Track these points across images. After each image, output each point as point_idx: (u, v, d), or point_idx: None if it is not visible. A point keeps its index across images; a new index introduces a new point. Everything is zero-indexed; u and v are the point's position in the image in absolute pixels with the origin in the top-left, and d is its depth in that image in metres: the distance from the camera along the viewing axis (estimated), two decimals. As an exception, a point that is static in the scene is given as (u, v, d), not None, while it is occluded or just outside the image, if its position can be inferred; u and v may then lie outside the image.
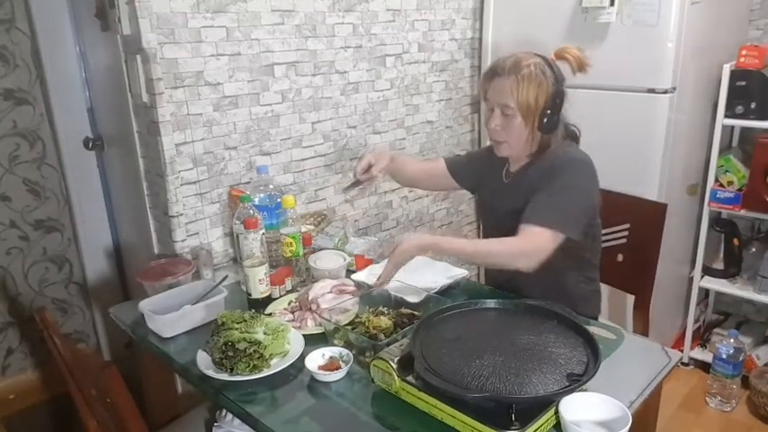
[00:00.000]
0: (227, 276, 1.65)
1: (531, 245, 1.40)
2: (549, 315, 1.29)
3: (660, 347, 1.35)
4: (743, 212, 2.35)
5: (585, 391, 1.08)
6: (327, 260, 1.73)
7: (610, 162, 2.17)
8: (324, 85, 2.11)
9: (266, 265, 1.58)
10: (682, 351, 2.61)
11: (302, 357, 1.28)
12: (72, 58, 2.34)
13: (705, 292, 2.75)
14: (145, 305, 1.49)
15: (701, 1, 2.10)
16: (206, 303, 1.50)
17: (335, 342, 1.36)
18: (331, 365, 1.27)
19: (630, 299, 1.94)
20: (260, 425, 1.14)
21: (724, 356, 2.30)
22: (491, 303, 1.35)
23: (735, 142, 2.62)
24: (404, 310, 1.45)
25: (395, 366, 1.14)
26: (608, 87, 2.23)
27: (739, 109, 2.26)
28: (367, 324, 1.38)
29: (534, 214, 1.42)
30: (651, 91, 2.15)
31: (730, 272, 2.51)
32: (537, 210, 1.43)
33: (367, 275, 1.67)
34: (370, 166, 1.74)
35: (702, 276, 2.54)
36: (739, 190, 2.35)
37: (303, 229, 1.79)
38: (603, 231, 1.92)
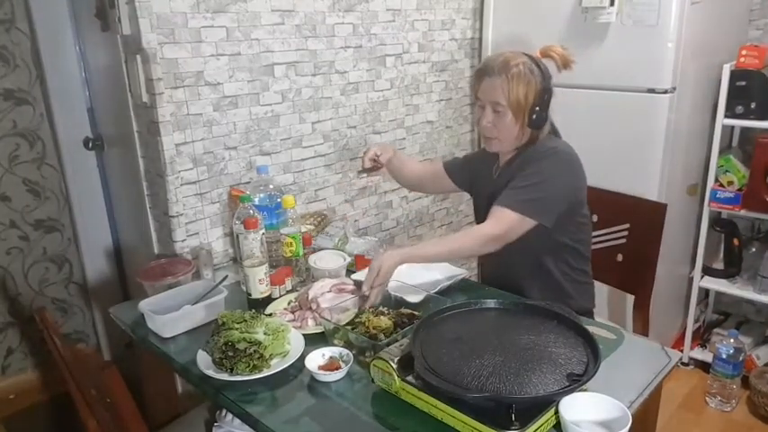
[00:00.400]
0: (227, 276, 1.65)
1: (499, 228, 1.47)
2: (549, 315, 1.29)
3: (660, 347, 1.35)
4: (743, 212, 2.35)
5: (585, 390, 1.08)
6: (327, 260, 1.73)
7: (610, 162, 2.20)
8: (324, 85, 2.11)
9: (266, 265, 1.58)
10: (682, 351, 2.61)
11: (302, 357, 1.28)
12: (72, 58, 2.34)
13: (705, 292, 2.75)
14: (145, 305, 1.49)
15: (701, 1, 2.10)
16: (206, 303, 1.50)
17: (335, 342, 1.36)
18: (331, 365, 1.27)
19: (630, 299, 1.95)
20: (260, 425, 1.14)
21: (724, 356, 2.30)
22: (491, 303, 1.35)
23: (735, 142, 2.62)
24: (404, 310, 1.45)
25: (395, 366, 1.14)
26: (608, 87, 2.24)
27: (739, 109, 2.26)
28: (367, 324, 1.38)
29: (506, 198, 1.50)
30: (651, 91, 2.15)
31: (730, 272, 2.51)
32: (509, 194, 1.50)
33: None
34: (377, 156, 1.84)
35: (702, 276, 2.54)
36: (739, 190, 2.35)
37: (303, 229, 1.79)
38: (604, 231, 1.93)
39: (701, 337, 2.71)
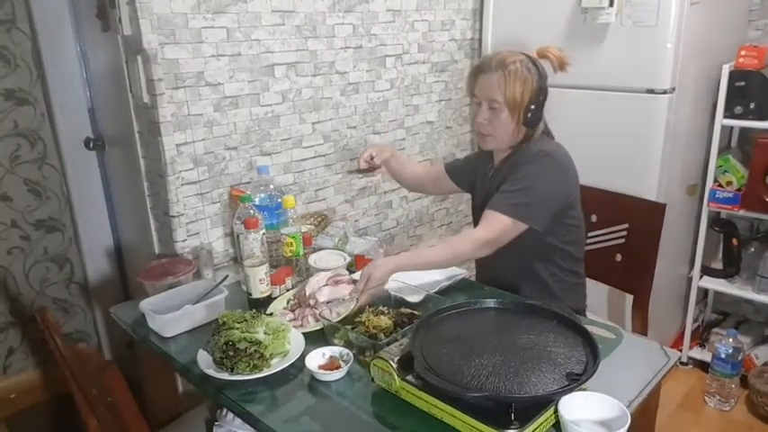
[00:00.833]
0: (227, 276, 1.65)
1: (491, 233, 1.49)
2: (548, 315, 1.29)
3: (659, 347, 1.36)
4: (742, 212, 2.35)
5: (585, 390, 1.08)
6: (327, 260, 1.74)
7: (609, 162, 2.20)
8: (324, 86, 2.12)
9: (266, 264, 1.58)
10: (681, 350, 2.62)
11: (302, 357, 1.28)
12: (73, 59, 2.34)
13: (704, 292, 2.75)
14: (146, 305, 1.50)
15: (701, 1, 2.10)
16: (206, 303, 1.51)
17: (335, 341, 1.37)
18: (331, 365, 1.27)
19: (629, 298, 1.95)
20: (260, 424, 1.15)
21: (723, 356, 2.30)
22: (491, 303, 1.36)
23: (734, 142, 2.63)
24: (404, 310, 1.45)
25: (395, 366, 1.15)
26: (607, 88, 2.24)
27: (738, 109, 2.26)
28: (367, 324, 1.39)
29: (497, 202, 1.52)
30: (650, 91, 2.15)
31: (729, 272, 2.52)
32: (501, 198, 1.52)
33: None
34: (372, 158, 1.86)
35: (701, 276, 2.54)
36: (738, 190, 2.35)
37: (303, 229, 1.80)
38: (602, 231, 1.94)
39: (700, 337, 2.72)
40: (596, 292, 1.77)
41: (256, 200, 1.81)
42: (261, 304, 1.56)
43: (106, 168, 2.46)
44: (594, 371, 1.09)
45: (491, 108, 1.54)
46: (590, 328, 1.26)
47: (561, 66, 1.57)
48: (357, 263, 1.78)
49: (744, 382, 2.37)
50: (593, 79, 2.23)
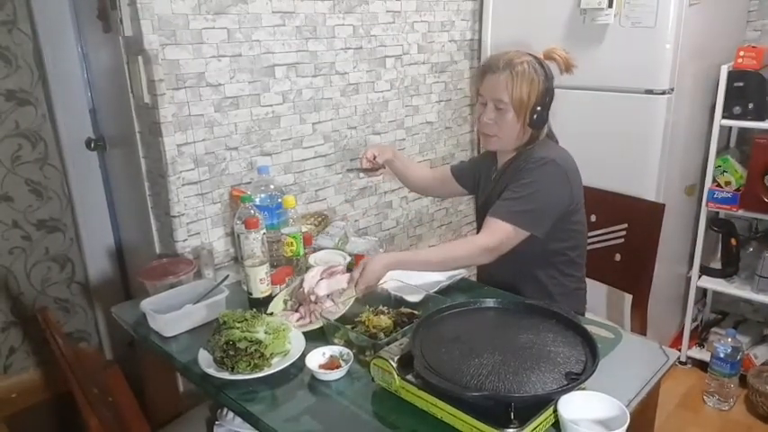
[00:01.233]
0: (228, 276, 1.66)
1: (492, 240, 1.48)
2: (547, 314, 1.30)
3: (658, 346, 1.36)
4: (740, 212, 2.36)
5: (584, 389, 1.09)
6: (328, 260, 1.74)
7: (608, 162, 2.21)
8: (324, 86, 2.12)
9: (267, 264, 1.59)
10: (680, 350, 2.62)
11: (303, 356, 1.29)
12: (74, 59, 2.35)
13: (703, 292, 2.76)
14: (146, 304, 1.50)
15: (699, 2, 2.11)
16: (207, 303, 1.51)
17: (336, 341, 1.37)
18: (331, 364, 1.28)
19: (628, 298, 1.95)
20: (261, 423, 1.15)
21: (722, 355, 2.30)
22: (490, 303, 1.36)
23: (732, 143, 2.63)
24: (403, 310, 1.46)
25: (395, 365, 1.15)
26: (606, 88, 2.25)
27: (737, 110, 2.27)
28: (367, 323, 1.39)
29: (499, 208, 1.51)
30: (649, 92, 2.16)
31: (728, 271, 2.52)
32: (503, 205, 1.51)
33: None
34: (374, 157, 1.84)
35: (700, 276, 2.54)
36: (737, 190, 2.36)
37: (304, 229, 1.80)
38: (602, 231, 1.94)
39: (699, 337, 2.72)
40: (595, 292, 1.77)
41: (257, 200, 1.81)
42: (261, 304, 1.56)
43: (107, 168, 2.46)
44: (594, 370, 1.09)
45: (497, 108, 1.52)
46: (589, 327, 1.26)
47: (567, 67, 1.56)
48: (357, 262, 1.78)
49: (743, 382, 2.38)
50: (591, 80, 2.24)
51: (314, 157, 2.16)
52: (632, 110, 2.20)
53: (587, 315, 1.73)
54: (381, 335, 1.34)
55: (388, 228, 2.52)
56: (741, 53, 2.25)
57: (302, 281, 1.55)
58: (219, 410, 1.54)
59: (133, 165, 1.92)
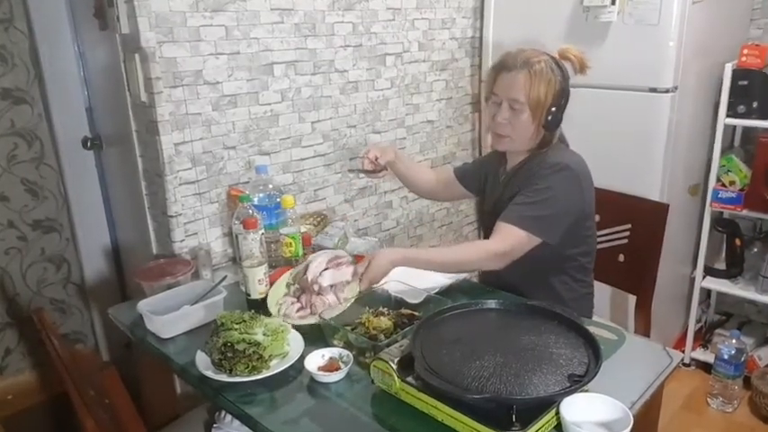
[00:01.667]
0: (226, 277, 1.64)
1: (504, 246, 1.45)
2: (549, 316, 1.28)
3: (662, 348, 1.35)
4: (745, 212, 2.35)
5: (587, 391, 1.07)
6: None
7: (611, 162, 2.19)
8: (323, 85, 2.11)
9: (265, 265, 1.57)
10: (683, 352, 2.60)
11: (302, 358, 1.27)
12: (70, 58, 2.34)
13: (707, 293, 2.74)
14: (143, 306, 1.49)
15: (703, 0, 2.09)
16: (205, 304, 1.49)
17: (335, 343, 1.36)
18: (331, 366, 1.26)
19: (632, 299, 1.94)
20: (259, 426, 1.14)
21: (726, 357, 2.29)
22: (491, 304, 1.35)
23: (737, 142, 2.62)
24: (404, 311, 1.44)
25: (395, 367, 1.14)
26: (609, 87, 2.23)
27: (741, 108, 2.25)
28: (367, 325, 1.38)
29: (512, 213, 1.48)
30: (653, 90, 2.14)
31: (732, 272, 2.50)
32: (516, 210, 1.48)
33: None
34: (376, 158, 1.80)
35: (704, 277, 2.53)
36: (741, 190, 2.35)
37: (303, 229, 1.78)
38: (605, 231, 1.93)
39: (703, 338, 2.70)
40: (599, 293, 1.76)
41: (255, 200, 1.80)
42: (260, 305, 1.54)
43: (104, 168, 2.45)
44: (596, 372, 1.08)
45: (512, 108, 1.49)
46: (592, 329, 1.25)
47: (582, 68, 1.53)
48: (357, 263, 1.76)
49: (747, 384, 2.36)
50: (594, 78, 2.18)
51: (313, 157, 2.14)
52: (635, 108, 2.19)
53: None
54: (381, 336, 1.33)
55: (388, 228, 2.51)
56: (745, 51, 2.24)
57: (307, 266, 1.52)
58: (217, 413, 1.53)
59: (130, 164, 1.91)
